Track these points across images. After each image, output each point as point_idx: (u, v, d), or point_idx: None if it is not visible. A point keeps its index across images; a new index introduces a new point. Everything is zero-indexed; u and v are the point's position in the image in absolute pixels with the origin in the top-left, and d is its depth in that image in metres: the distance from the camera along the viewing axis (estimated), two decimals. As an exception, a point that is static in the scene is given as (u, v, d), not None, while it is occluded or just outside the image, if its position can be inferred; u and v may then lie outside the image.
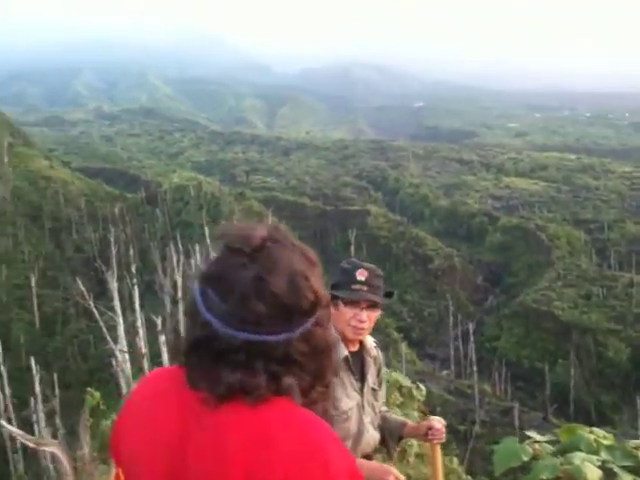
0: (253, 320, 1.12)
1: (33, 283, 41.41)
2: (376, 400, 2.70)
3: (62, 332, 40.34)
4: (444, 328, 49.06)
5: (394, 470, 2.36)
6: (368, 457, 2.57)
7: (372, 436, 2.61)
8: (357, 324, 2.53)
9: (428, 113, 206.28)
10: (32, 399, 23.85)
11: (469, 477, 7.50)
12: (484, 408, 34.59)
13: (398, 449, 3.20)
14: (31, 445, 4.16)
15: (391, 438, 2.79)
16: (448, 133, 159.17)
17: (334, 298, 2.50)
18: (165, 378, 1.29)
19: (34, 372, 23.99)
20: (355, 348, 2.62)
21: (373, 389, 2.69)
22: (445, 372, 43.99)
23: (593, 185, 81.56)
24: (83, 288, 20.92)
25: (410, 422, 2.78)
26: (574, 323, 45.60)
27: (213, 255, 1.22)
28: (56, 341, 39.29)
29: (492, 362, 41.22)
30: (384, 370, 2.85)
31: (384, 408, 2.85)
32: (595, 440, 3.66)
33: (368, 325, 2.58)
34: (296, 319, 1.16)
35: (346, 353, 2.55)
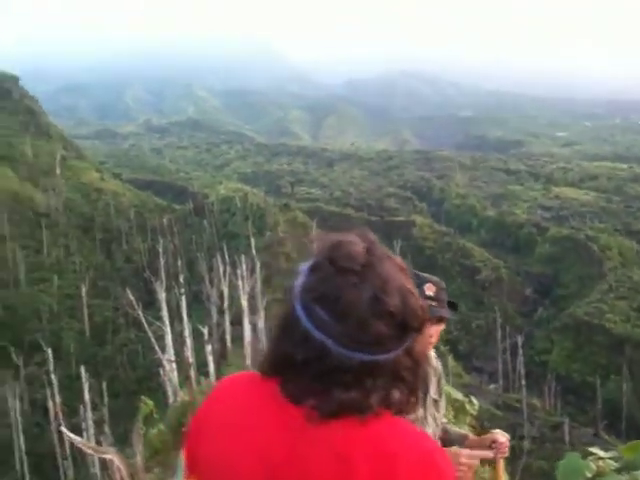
0: (372, 341, 1.13)
1: (84, 293, 42.38)
2: (437, 411, 2.67)
3: (112, 341, 41.15)
4: (492, 341, 48.26)
5: (459, 449, 2.31)
6: None
7: None
8: (426, 340, 2.51)
9: (474, 122, 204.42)
10: (82, 407, 24.29)
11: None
12: (533, 423, 33.83)
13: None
14: (90, 452, 4.25)
15: None
16: (495, 142, 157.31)
17: None
18: (255, 389, 1.27)
19: (84, 380, 24.46)
20: None
21: (435, 400, 2.66)
22: (493, 386, 43.20)
23: (646, 195, 79.52)
24: (132, 298, 21.32)
25: (472, 435, 2.73)
26: (626, 336, 44.40)
27: (306, 268, 1.21)
28: (106, 350, 40.11)
29: (541, 376, 40.33)
30: (443, 382, 2.81)
31: (444, 420, 2.82)
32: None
33: (435, 339, 2.55)
34: (409, 337, 1.18)
35: None
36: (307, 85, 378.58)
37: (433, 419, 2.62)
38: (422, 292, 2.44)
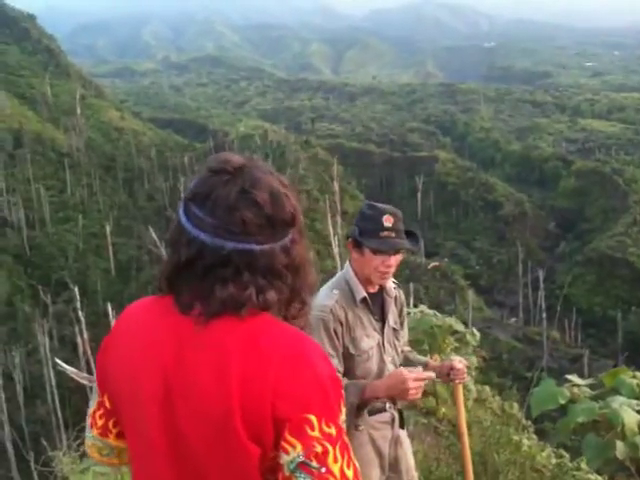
0: (240, 229, 1.20)
1: (108, 232, 42.97)
2: (397, 339, 2.72)
3: (136, 279, 41.86)
4: (513, 276, 48.27)
5: (406, 374, 2.28)
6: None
7: None
8: (385, 270, 2.53)
9: (500, 53, 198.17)
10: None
11: (529, 422, 7.44)
12: (553, 355, 34.12)
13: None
14: (84, 382, 4.39)
15: None
16: (521, 74, 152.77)
17: (359, 244, 2.52)
18: (151, 308, 1.34)
19: (110, 317, 25.00)
20: (375, 289, 2.63)
21: (394, 329, 2.70)
22: (513, 319, 43.49)
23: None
24: (155, 237, 21.62)
25: (432, 362, 2.79)
26: (650, 270, 44.01)
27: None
28: (131, 287, 40.86)
29: (562, 310, 40.41)
30: (405, 312, 2.85)
31: (407, 348, 2.87)
32: (638, 384, 3.60)
33: (394, 269, 2.58)
34: (278, 230, 1.24)
35: (364, 294, 2.56)
36: (329, 17, 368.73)
37: (392, 347, 2.67)
38: (381, 224, 2.47)
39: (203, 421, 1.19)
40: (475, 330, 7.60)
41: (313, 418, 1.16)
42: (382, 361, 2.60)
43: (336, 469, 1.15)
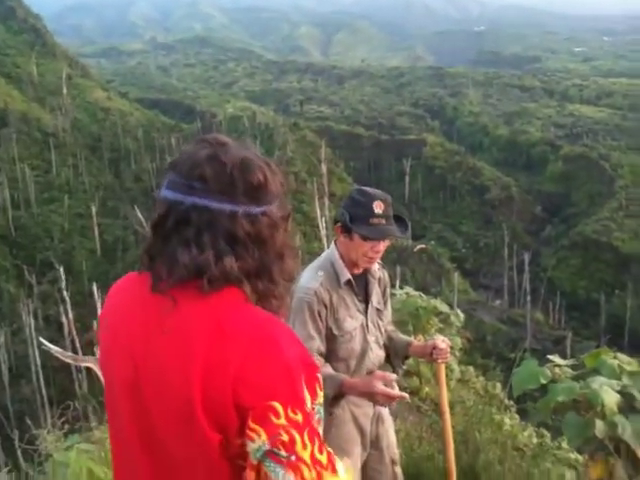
0: (201, 185, 1.19)
1: (94, 212, 42.71)
2: (381, 319, 2.73)
3: (123, 259, 41.69)
4: (499, 259, 48.60)
5: (377, 388, 2.28)
6: (372, 374, 2.61)
7: (376, 355, 2.66)
8: (374, 255, 2.54)
9: (490, 38, 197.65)
10: (94, 323, 24.90)
11: (511, 402, 7.53)
12: (536, 337, 34.46)
13: (405, 367, 3.24)
14: (69, 361, 4.38)
15: (396, 357, 2.83)
16: (510, 58, 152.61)
17: (348, 230, 2.51)
18: (129, 287, 1.34)
19: (96, 297, 24.95)
20: (359, 271, 2.63)
21: (377, 309, 2.72)
22: (498, 302, 43.86)
23: (661, 112, 77.52)
24: (141, 217, 21.51)
25: (416, 342, 2.81)
26: (634, 254, 44.44)
27: None
28: (116, 268, 40.67)
29: (546, 292, 40.79)
30: (388, 293, 2.86)
31: (391, 328, 2.89)
32: (618, 365, 3.65)
33: (381, 254, 2.59)
34: (241, 192, 1.22)
35: (349, 276, 2.56)
36: (319, 0, 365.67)
37: (376, 327, 2.69)
38: (371, 210, 2.46)
39: (168, 408, 1.18)
40: (459, 311, 7.67)
41: (278, 406, 1.13)
42: (365, 341, 2.61)
43: (306, 455, 1.13)
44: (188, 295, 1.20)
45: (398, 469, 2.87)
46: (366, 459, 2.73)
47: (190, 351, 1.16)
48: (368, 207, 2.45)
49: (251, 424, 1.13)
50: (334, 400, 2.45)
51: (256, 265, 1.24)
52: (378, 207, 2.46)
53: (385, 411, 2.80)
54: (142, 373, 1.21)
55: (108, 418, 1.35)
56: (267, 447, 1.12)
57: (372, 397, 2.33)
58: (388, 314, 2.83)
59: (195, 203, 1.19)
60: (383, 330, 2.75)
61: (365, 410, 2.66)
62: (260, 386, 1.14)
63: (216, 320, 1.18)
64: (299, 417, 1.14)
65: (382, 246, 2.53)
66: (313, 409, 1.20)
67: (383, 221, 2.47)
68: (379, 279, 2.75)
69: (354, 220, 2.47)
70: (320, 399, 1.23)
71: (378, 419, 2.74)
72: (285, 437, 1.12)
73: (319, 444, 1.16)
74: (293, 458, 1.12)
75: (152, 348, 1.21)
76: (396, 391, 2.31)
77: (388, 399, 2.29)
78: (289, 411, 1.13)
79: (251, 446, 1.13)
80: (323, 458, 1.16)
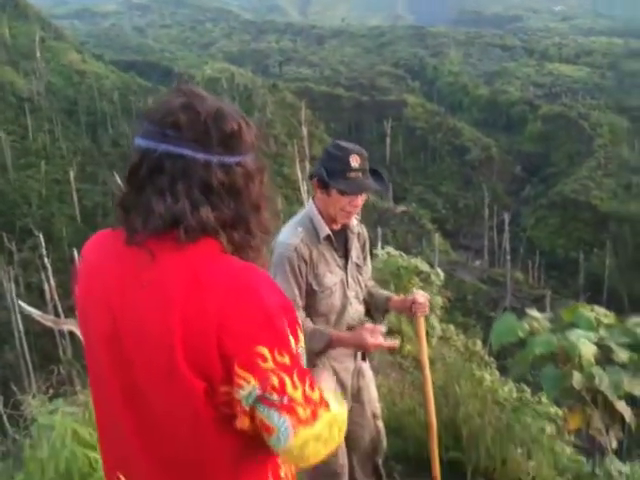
0: (174, 133, 1.18)
1: (72, 178, 42.07)
2: (361, 275, 2.74)
3: (103, 225, 41.14)
4: (479, 219, 48.88)
5: (368, 339, 2.38)
6: (352, 329, 2.64)
7: (356, 310, 2.67)
8: (352, 210, 2.54)
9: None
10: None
11: (492, 359, 7.66)
12: (516, 296, 34.87)
13: (387, 325, 3.28)
14: (50, 324, 4.38)
15: (377, 311, 2.86)
16: (492, 18, 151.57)
17: (325, 185, 2.50)
18: (104, 242, 1.33)
19: (77, 264, 24.73)
20: (338, 227, 2.63)
21: (357, 264, 2.72)
22: (478, 262, 44.23)
23: (640, 71, 77.60)
24: (121, 182, 21.19)
25: (395, 297, 2.83)
26: (612, 213, 44.89)
27: None
28: (97, 234, 40.34)
29: (526, 252, 41.17)
30: (367, 248, 2.87)
31: (371, 283, 2.90)
32: (595, 318, 3.72)
33: (360, 208, 2.59)
34: (215, 142, 1.20)
35: (328, 231, 2.56)
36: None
37: (356, 282, 2.70)
38: (348, 164, 2.44)
39: (150, 359, 1.18)
40: (440, 270, 7.75)
41: (264, 350, 1.13)
42: (345, 297, 2.62)
43: (298, 395, 1.15)
44: (164, 247, 1.19)
45: (380, 423, 2.91)
46: (348, 413, 2.77)
47: (169, 303, 1.15)
48: (345, 161, 2.44)
49: (238, 371, 1.13)
50: (320, 354, 2.49)
51: (232, 216, 1.23)
52: (355, 161, 2.44)
53: (366, 366, 2.84)
54: (121, 325, 1.21)
55: (89, 375, 1.34)
56: (258, 392, 1.13)
57: (364, 348, 2.42)
58: (368, 270, 2.84)
59: (168, 151, 1.18)
60: (363, 285, 2.76)
61: (346, 365, 2.69)
62: (243, 333, 1.14)
63: (193, 271, 1.17)
64: (286, 359, 1.15)
65: (360, 200, 2.52)
66: (298, 351, 1.21)
67: (360, 175, 2.45)
68: (358, 234, 2.75)
69: (331, 175, 2.45)
70: (302, 342, 1.24)
71: (359, 373, 2.78)
72: (275, 380, 1.13)
73: (310, 382, 1.19)
74: (285, 400, 1.14)
75: (130, 301, 1.20)
76: (386, 341, 2.41)
77: (379, 348, 2.40)
78: (276, 354, 1.15)
79: (241, 393, 1.14)
80: (315, 395, 1.18)
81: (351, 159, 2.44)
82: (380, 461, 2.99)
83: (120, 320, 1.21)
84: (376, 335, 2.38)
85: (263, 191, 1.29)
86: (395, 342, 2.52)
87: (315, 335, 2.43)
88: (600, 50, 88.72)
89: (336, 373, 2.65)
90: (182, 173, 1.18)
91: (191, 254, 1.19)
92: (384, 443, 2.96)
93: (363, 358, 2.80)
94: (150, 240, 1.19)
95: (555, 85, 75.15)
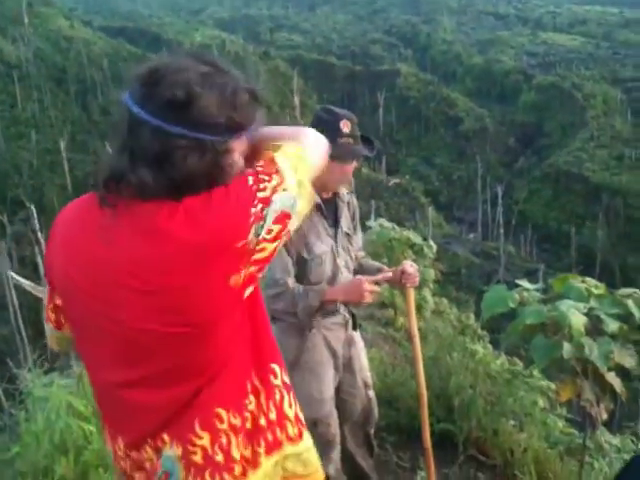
0: (161, 106, 1.17)
1: (62, 147, 41.64)
2: (351, 244, 2.75)
3: (94, 195, 40.94)
4: (472, 192, 48.82)
5: (363, 278, 2.45)
6: None
7: (346, 278, 2.67)
8: (342, 177, 2.53)
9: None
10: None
11: (484, 332, 7.74)
12: (509, 269, 35.02)
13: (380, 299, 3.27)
14: (41, 296, 4.36)
15: None
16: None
17: None
18: (87, 206, 1.31)
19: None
20: (328, 195, 2.63)
21: (347, 234, 2.73)
22: (472, 235, 44.27)
23: (635, 41, 76.77)
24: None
25: (385, 268, 2.83)
26: (604, 185, 44.80)
27: None
28: (89, 204, 40.04)
29: (519, 225, 41.21)
30: (357, 217, 2.87)
31: (361, 254, 2.91)
32: (586, 289, 3.73)
33: (351, 175, 2.58)
34: (157, 106, 1.17)
35: (318, 200, 2.55)
36: None
37: (346, 251, 2.71)
38: (339, 130, 2.42)
39: (132, 304, 1.19)
40: (432, 242, 7.78)
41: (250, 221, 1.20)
42: (335, 265, 2.63)
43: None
44: (126, 204, 1.19)
45: (371, 392, 2.94)
46: (339, 382, 2.80)
47: (139, 257, 1.17)
48: (336, 126, 2.40)
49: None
50: (318, 310, 2.51)
51: (167, 184, 1.19)
52: (345, 126, 2.42)
53: (357, 335, 2.86)
54: (103, 278, 1.21)
55: (73, 329, 1.36)
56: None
57: (358, 297, 2.43)
58: (358, 239, 2.85)
59: (127, 104, 1.19)
60: (353, 255, 2.77)
61: (337, 334, 2.71)
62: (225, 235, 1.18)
63: (153, 224, 1.17)
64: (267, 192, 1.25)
65: (351, 167, 2.52)
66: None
67: (351, 140, 2.44)
68: (348, 203, 2.75)
69: None
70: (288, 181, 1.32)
71: (350, 342, 2.80)
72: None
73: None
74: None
75: (108, 253, 1.21)
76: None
77: (373, 286, 2.44)
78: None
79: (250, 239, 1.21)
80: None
81: (342, 124, 2.42)
82: (372, 431, 3.03)
83: (100, 287, 1.22)
84: (370, 284, 2.42)
85: (214, 172, 1.21)
86: (387, 274, 2.61)
87: (309, 294, 2.45)
88: (594, 19, 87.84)
89: (327, 342, 2.67)
90: (129, 131, 1.19)
91: (150, 208, 1.18)
92: (375, 413, 2.99)
93: (354, 327, 2.82)
94: (112, 198, 1.20)
95: (549, 54, 74.50)
